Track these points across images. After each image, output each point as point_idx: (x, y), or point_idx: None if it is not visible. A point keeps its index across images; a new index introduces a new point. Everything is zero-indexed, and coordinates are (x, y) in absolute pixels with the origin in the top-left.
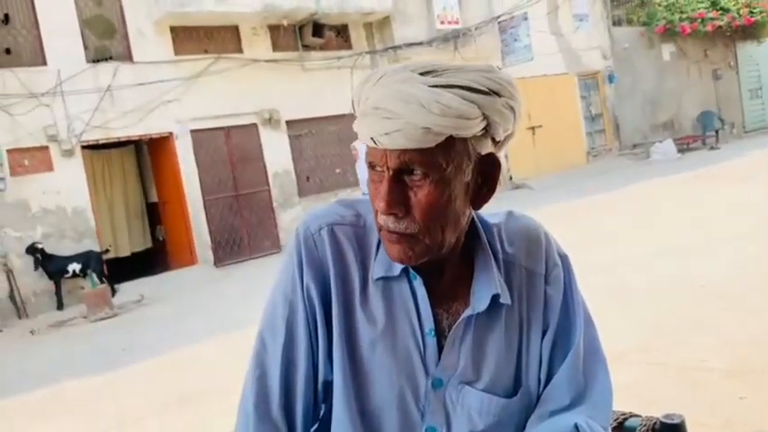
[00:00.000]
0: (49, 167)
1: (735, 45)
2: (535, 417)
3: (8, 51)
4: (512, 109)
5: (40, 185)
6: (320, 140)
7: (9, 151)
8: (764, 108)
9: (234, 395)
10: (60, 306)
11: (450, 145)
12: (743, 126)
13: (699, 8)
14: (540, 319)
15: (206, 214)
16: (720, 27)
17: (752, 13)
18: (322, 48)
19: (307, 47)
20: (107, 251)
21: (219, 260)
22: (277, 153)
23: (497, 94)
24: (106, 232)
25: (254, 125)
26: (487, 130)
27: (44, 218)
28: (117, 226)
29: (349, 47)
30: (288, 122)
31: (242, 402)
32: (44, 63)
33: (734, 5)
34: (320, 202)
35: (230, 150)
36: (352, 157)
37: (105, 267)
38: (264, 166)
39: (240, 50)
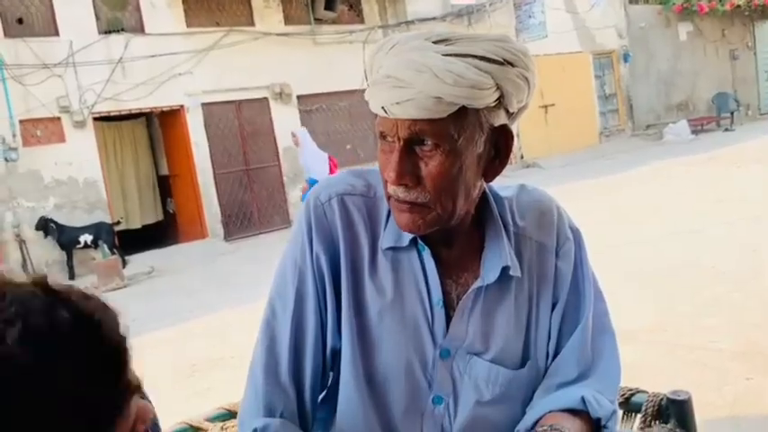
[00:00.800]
0: (61, 138)
1: (753, 25)
2: (542, 389)
3: (20, 21)
4: (526, 80)
5: (53, 156)
6: (331, 116)
7: (22, 122)
8: None
9: (244, 364)
10: (72, 276)
11: (463, 115)
12: (758, 108)
13: None
14: (550, 292)
15: (216, 188)
16: (739, 6)
17: None
18: (334, 22)
19: (319, 20)
20: (118, 223)
21: (229, 234)
22: (287, 128)
23: (511, 64)
24: (117, 204)
25: (265, 99)
26: (501, 101)
27: (56, 188)
28: (128, 198)
29: (361, 21)
30: (299, 97)
31: (251, 368)
32: (56, 33)
33: None
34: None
35: (241, 124)
36: (363, 133)
37: (116, 239)
38: (275, 141)
39: (252, 23)
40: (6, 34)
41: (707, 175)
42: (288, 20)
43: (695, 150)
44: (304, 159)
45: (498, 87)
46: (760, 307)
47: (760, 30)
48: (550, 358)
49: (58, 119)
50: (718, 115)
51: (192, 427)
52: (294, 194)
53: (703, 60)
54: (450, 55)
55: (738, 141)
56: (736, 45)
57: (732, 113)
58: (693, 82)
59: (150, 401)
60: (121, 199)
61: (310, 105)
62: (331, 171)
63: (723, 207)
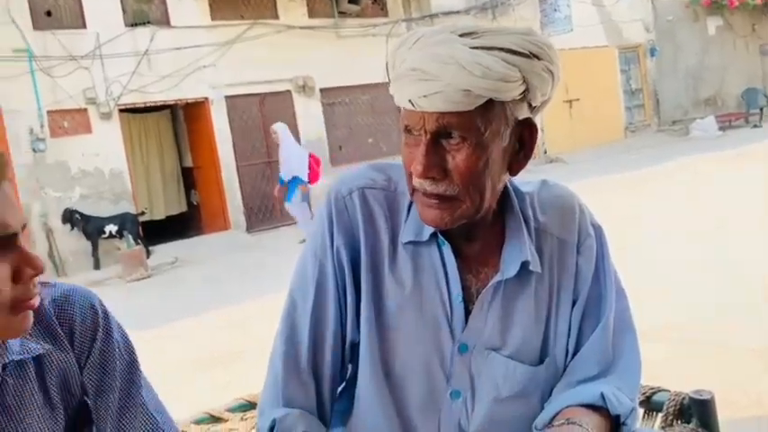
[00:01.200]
0: (88, 130)
1: None
2: (561, 386)
3: (49, 14)
4: (551, 73)
5: (79, 147)
6: (353, 109)
7: (49, 113)
8: None
9: (264, 356)
10: (97, 266)
11: (489, 108)
12: None
13: None
14: (571, 288)
15: (239, 180)
16: None
17: None
18: (358, 15)
19: (342, 13)
20: (143, 213)
21: (251, 226)
22: (310, 121)
23: (537, 57)
24: (142, 195)
25: (288, 92)
26: (526, 95)
27: (82, 179)
28: (153, 189)
29: (385, 14)
30: (322, 90)
31: (272, 358)
32: (84, 26)
33: None
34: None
35: (264, 117)
36: (385, 127)
37: (141, 229)
38: (297, 134)
39: (276, 16)
40: (35, 27)
41: (733, 172)
42: (312, 13)
43: (722, 146)
44: (283, 157)
45: (524, 80)
46: None
47: None
48: (570, 356)
49: (85, 110)
50: (747, 111)
51: (212, 417)
52: (315, 187)
53: (732, 55)
54: (478, 48)
55: (766, 138)
56: (766, 40)
57: (761, 109)
58: (722, 77)
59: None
60: (146, 190)
61: (333, 98)
62: (311, 169)
63: (748, 205)
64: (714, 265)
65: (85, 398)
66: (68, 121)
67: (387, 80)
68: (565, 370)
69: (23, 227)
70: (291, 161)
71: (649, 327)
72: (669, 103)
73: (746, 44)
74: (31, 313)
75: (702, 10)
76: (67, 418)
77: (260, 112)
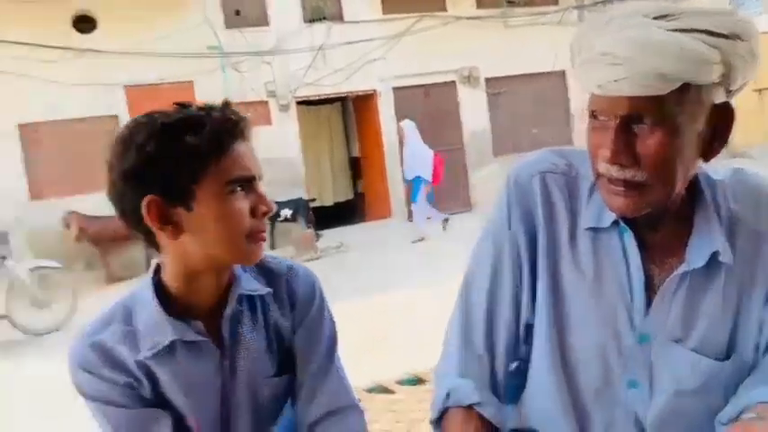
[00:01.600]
0: (268, 121)
1: None
2: (750, 382)
3: (237, 13)
4: (753, 55)
5: (260, 137)
6: (518, 99)
7: (236, 105)
8: None
9: (428, 342)
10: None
11: (684, 92)
12: None
13: None
14: (765, 282)
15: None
16: None
17: None
18: (527, 4)
19: (511, 2)
20: (314, 200)
21: (412, 214)
22: (474, 111)
23: (740, 38)
24: (313, 182)
25: (453, 83)
26: (724, 78)
27: (264, 167)
28: (323, 177)
29: (555, 2)
30: (487, 80)
31: (447, 332)
32: (266, 24)
33: None
34: (515, 162)
35: (428, 107)
36: (550, 117)
37: (311, 214)
38: (461, 124)
39: (444, 8)
40: (227, 25)
41: None
42: (480, 3)
43: None
44: (407, 155)
45: (725, 63)
46: None
47: None
48: (761, 352)
49: (266, 103)
50: None
51: (383, 387)
52: (476, 176)
53: None
54: (676, 30)
55: None
56: None
57: None
58: None
59: None
60: (317, 178)
61: (498, 88)
62: (435, 171)
63: None
64: None
65: (293, 352)
66: (252, 112)
67: (555, 68)
68: (753, 367)
69: (260, 176)
70: (414, 160)
71: None
72: None
73: None
74: (262, 244)
75: None
76: (279, 360)
77: (424, 103)
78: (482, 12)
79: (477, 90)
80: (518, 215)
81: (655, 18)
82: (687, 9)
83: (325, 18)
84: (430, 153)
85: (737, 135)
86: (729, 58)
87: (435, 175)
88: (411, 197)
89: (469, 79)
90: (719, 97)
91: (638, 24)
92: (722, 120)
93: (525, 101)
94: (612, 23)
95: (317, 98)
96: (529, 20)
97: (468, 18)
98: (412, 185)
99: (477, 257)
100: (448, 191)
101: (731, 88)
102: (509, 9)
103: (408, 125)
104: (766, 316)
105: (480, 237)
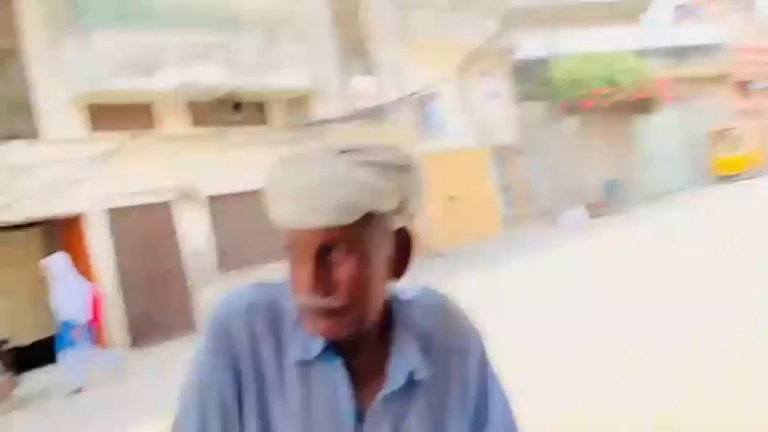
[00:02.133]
0: None
1: (632, 117)
2: None
3: None
4: (422, 183)
5: None
6: (242, 215)
7: None
8: (663, 174)
9: None
10: None
11: (369, 221)
12: (642, 192)
13: (597, 85)
14: (459, 395)
15: (123, 296)
16: (617, 102)
17: (643, 89)
18: (241, 123)
19: (226, 123)
20: (6, 341)
21: (136, 343)
22: (196, 229)
23: (411, 169)
24: (4, 319)
25: (170, 202)
26: (402, 205)
27: None
28: (18, 311)
29: (268, 122)
30: (209, 198)
31: None
32: None
33: (628, 80)
34: (242, 278)
35: (146, 227)
36: (275, 233)
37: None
38: (181, 244)
39: (158, 125)
40: None
41: (606, 258)
42: (195, 122)
43: (589, 235)
44: (56, 296)
45: (401, 192)
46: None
47: (638, 121)
48: None
49: None
50: (607, 200)
51: None
52: (203, 296)
53: (591, 150)
54: (358, 164)
55: (630, 224)
56: (620, 136)
57: (616, 198)
58: (584, 170)
59: None
60: (12, 313)
61: (220, 205)
62: (94, 307)
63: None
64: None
65: None
66: None
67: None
68: None
69: None
70: (66, 300)
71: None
72: (540, 196)
73: (602, 140)
74: None
75: (561, 110)
76: None
77: (140, 223)
78: (199, 130)
79: (197, 208)
80: (222, 358)
81: (341, 153)
82: (370, 145)
83: (17, 137)
84: (85, 289)
85: (436, 237)
86: (404, 188)
87: (94, 313)
88: (58, 344)
89: (189, 197)
90: (400, 222)
91: (326, 160)
92: (404, 242)
93: (248, 218)
94: (300, 159)
95: (7, 224)
96: (245, 139)
97: (184, 137)
98: (62, 332)
99: (183, 402)
100: (166, 316)
101: (409, 213)
102: (224, 128)
103: (57, 261)
104: (462, 428)
105: (186, 381)
